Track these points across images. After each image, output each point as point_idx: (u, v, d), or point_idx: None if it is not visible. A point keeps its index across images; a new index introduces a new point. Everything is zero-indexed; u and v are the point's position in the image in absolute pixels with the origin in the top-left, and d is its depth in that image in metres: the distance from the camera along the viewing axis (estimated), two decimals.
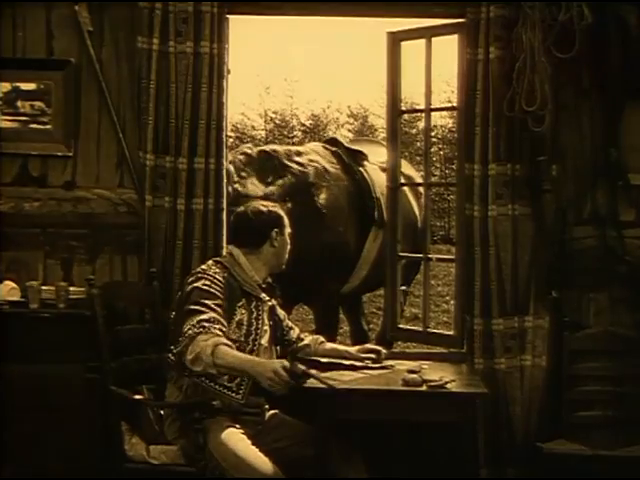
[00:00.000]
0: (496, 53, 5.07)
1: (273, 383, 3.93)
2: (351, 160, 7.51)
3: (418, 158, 23.65)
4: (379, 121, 27.54)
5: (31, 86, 5.35)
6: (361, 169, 7.46)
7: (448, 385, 4.55)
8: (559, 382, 5.09)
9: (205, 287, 4.26)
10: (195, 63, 5.17)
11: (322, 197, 7.17)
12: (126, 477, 4.34)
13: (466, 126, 5.27)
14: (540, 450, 4.87)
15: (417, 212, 7.95)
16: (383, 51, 5.58)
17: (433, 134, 23.19)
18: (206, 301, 4.20)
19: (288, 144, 26.71)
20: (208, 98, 5.17)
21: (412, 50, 5.60)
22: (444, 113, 25.40)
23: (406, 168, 8.00)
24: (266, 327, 4.50)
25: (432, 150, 23.17)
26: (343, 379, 4.67)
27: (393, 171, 5.78)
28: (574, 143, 5.19)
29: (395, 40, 5.56)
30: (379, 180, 7.30)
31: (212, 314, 4.14)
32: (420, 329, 5.81)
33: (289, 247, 4.63)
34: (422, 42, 5.47)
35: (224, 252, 4.99)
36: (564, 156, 5.20)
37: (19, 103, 5.35)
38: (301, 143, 27.28)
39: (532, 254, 5.17)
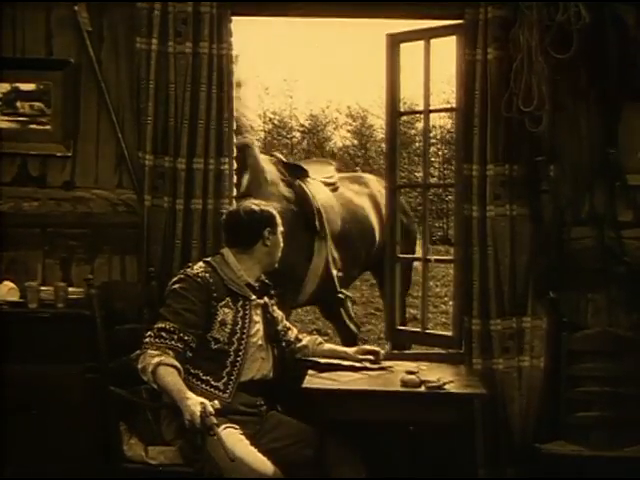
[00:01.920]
0: (494, 54, 5.07)
1: (189, 423, 3.93)
2: (291, 175, 7.35)
3: (417, 159, 23.68)
4: (378, 122, 27.54)
5: (30, 86, 5.35)
6: (300, 182, 7.29)
7: (446, 386, 4.55)
8: (557, 383, 5.10)
9: (181, 290, 4.34)
10: (194, 63, 5.17)
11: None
12: (124, 477, 4.35)
13: (464, 127, 5.27)
14: (538, 450, 4.88)
15: (376, 227, 7.82)
16: (382, 52, 5.59)
17: (432, 135, 23.17)
18: (176, 305, 4.29)
19: (287, 145, 26.79)
20: (207, 98, 5.18)
21: (411, 51, 5.62)
22: (443, 114, 25.40)
23: (374, 182, 8.16)
24: (258, 326, 4.53)
25: (431, 151, 23.17)
26: (342, 380, 4.69)
27: (392, 172, 5.79)
28: (572, 143, 5.20)
29: (394, 41, 5.58)
30: (321, 193, 7.27)
31: (175, 324, 4.22)
32: (418, 330, 5.81)
33: (282, 246, 4.65)
34: (421, 43, 5.49)
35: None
36: (562, 156, 5.20)
37: (18, 103, 5.35)
38: (300, 144, 27.32)
39: (530, 255, 5.17)
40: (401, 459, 5.18)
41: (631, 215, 5.19)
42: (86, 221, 5.33)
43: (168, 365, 4.09)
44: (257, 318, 4.55)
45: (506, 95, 5.03)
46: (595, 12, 4.84)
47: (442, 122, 25.61)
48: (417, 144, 24.48)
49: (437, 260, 6.79)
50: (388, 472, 5.15)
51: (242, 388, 4.41)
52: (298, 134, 28.10)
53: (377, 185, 8.10)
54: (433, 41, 5.44)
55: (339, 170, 8.25)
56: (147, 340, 4.20)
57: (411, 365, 5.00)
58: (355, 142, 28.10)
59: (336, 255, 7.27)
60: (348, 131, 28.80)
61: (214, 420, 3.94)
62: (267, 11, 5.39)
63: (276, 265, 4.69)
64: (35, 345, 4.96)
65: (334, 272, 7.22)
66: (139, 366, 4.15)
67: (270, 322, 4.68)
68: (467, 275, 5.25)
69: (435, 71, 5.47)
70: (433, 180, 23.09)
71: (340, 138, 28.74)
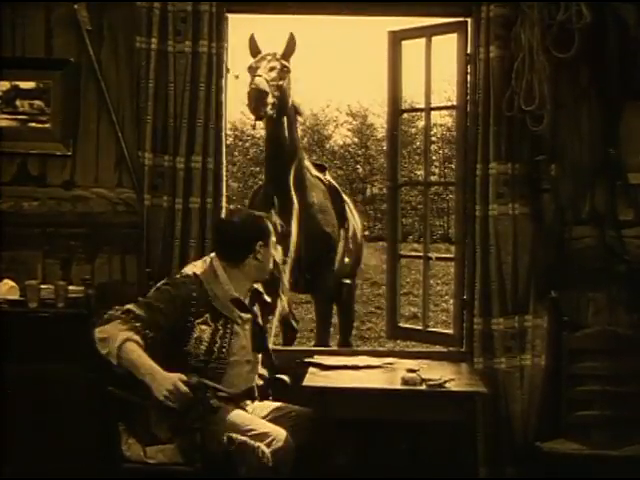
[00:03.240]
0: (496, 52, 5.07)
1: (171, 396, 3.88)
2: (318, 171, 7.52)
3: (417, 157, 23.66)
4: (378, 120, 27.52)
5: (30, 85, 5.35)
6: (327, 178, 7.53)
7: (447, 384, 4.55)
8: (558, 381, 5.10)
9: (164, 292, 4.22)
10: (194, 62, 5.17)
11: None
12: (124, 477, 4.34)
13: (466, 125, 5.28)
14: (539, 449, 4.88)
15: (357, 217, 8.04)
16: (383, 50, 5.58)
17: (432, 133, 23.18)
18: (154, 303, 4.16)
19: None
20: (206, 97, 5.17)
21: (412, 49, 5.60)
22: (444, 112, 25.28)
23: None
24: (243, 343, 4.38)
25: (431, 149, 23.18)
26: (342, 378, 4.69)
27: (393, 170, 5.78)
28: (573, 142, 5.19)
29: (395, 39, 5.56)
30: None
31: (147, 314, 4.09)
32: (420, 328, 5.81)
33: (273, 257, 4.50)
34: (422, 41, 5.48)
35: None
36: (563, 155, 5.20)
37: (18, 102, 5.35)
38: (300, 142, 27.28)
39: (532, 253, 5.17)
40: (402, 457, 5.18)
41: (632, 214, 5.18)
42: (86, 220, 5.33)
43: (137, 342, 3.98)
44: (242, 334, 4.38)
45: (507, 94, 5.03)
46: (596, 11, 4.85)
47: (443, 120, 25.60)
48: (418, 143, 24.45)
49: (438, 258, 6.79)
50: (389, 470, 5.15)
51: (225, 401, 4.28)
52: (298, 132, 28.04)
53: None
54: (434, 39, 5.43)
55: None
56: (113, 313, 4.07)
57: (412, 363, 5.01)
58: (355, 140, 28.07)
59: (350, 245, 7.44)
60: (349, 129, 28.78)
61: (196, 377, 3.99)
62: (267, 9, 5.39)
63: (267, 277, 4.53)
64: (35, 344, 4.95)
65: (346, 260, 7.36)
66: (98, 335, 4.01)
67: (258, 334, 4.49)
68: (469, 274, 5.25)
69: (436, 69, 5.48)
70: (434, 178, 23.07)
71: (340, 136, 28.71)
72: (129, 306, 4.11)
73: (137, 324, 4.04)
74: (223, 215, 4.84)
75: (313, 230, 6.79)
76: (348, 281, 7.92)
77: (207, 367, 4.22)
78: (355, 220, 7.77)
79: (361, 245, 8.24)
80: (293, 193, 6.59)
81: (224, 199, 5.32)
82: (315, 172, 7.22)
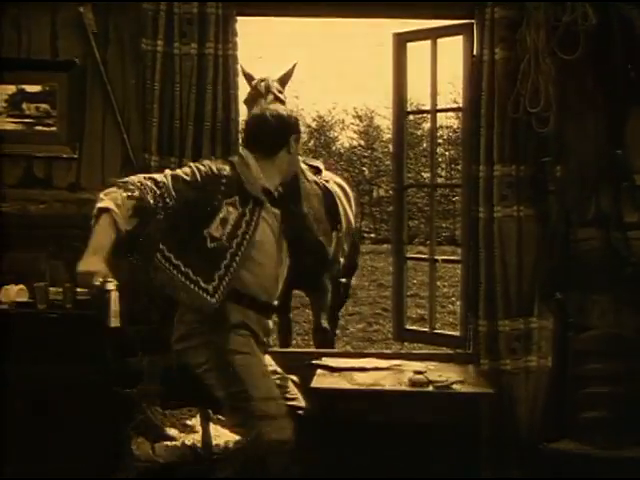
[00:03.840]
0: (501, 54, 5.08)
1: (80, 279, 3.92)
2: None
3: (424, 159, 23.65)
4: (385, 122, 27.47)
5: (36, 88, 5.36)
6: (322, 181, 7.48)
7: (454, 386, 4.57)
8: (563, 383, 5.10)
9: (195, 168, 4.15)
10: (200, 65, 5.18)
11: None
12: (132, 476, 4.36)
13: (471, 127, 5.28)
14: (544, 450, 4.88)
15: (351, 216, 8.06)
16: (389, 52, 5.59)
17: (439, 135, 23.15)
18: (181, 174, 4.11)
19: None
20: (213, 99, 5.18)
21: (418, 51, 5.61)
22: (449, 114, 25.30)
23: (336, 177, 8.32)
24: (267, 236, 4.31)
25: (438, 151, 23.15)
26: (350, 379, 4.70)
27: (399, 172, 5.78)
28: (578, 144, 5.19)
29: (401, 41, 5.57)
30: (336, 191, 7.42)
31: (172, 182, 4.05)
32: (426, 330, 5.81)
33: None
34: (428, 43, 5.49)
35: None
36: (568, 157, 5.20)
37: (24, 105, 5.37)
38: (306, 144, 27.28)
39: (537, 255, 5.17)
40: (407, 458, 5.19)
41: (637, 216, 5.17)
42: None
43: (113, 217, 3.90)
44: (268, 228, 4.31)
45: (513, 96, 5.03)
46: (602, 13, 4.85)
47: (449, 122, 25.55)
48: (424, 145, 24.44)
49: (444, 260, 6.79)
50: (393, 471, 5.15)
51: (246, 303, 4.26)
52: (305, 135, 27.97)
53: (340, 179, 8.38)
54: (440, 41, 5.44)
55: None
56: (125, 179, 4.03)
57: (419, 365, 5.02)
58: (362, 143, 28.03)
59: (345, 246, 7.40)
60: (355, 132, 28.74)
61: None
62: (273, 11, 5.40)
63: (296, 171, 4.61)
64: (44, 345, 4.96)
65: (341, 260, 7.32)
66: (100, 195, 3.98)
67: (286, 231, 4.46)
68: (474, 276, 5.25)
69: (442, 71, 5.48)
70: (440, 180, 23.05)
71: (347, 139, 28.67)
72: (154, 175, 4.09)
73: (149, 186, 3.98)
74: (256, 110, 4.73)
75: (308, 241, 6.79)
76: (344, 280, 7.99)
77: (226, 252, 4.15)
78: (350, 218, 7.76)
79: (356, 242, 8.29)
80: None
81: None
82: (311, 176, 7.21)
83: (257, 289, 4.27)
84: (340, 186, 8.01)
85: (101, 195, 3.95)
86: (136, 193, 3.94)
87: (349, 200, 8.05)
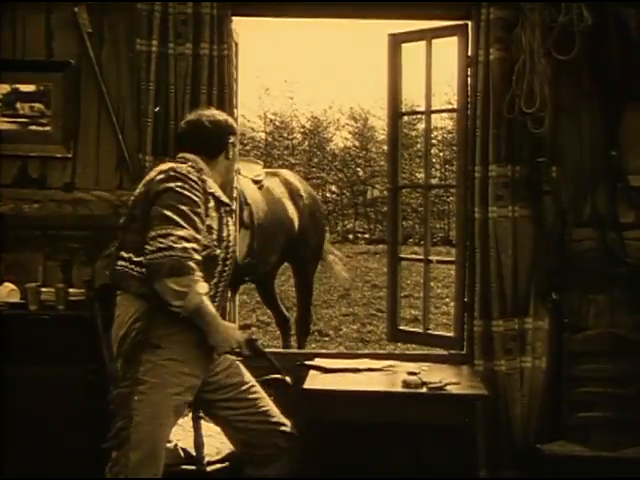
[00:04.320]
0: (496, 55, 5.07)
1: (230, 350, 3.96)
2: None
3: (418, 160, 23.66)
4: (379, 123, 27.49)
5: (30, 88, 5.35)
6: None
7: (448, 387, 4.56)
8: (559, 384, 5.10)
9: (182, 190, 3.92)
10: (195, 65, 5.17)
11: None
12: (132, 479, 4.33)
13: (466, 128, 5.28)
14: (540, 451, 4.88)
15: (294, 217, 8.27)
16: (384, 53, 5.58)
17: (433, 136, 23.17)
18: (183, 207, 3.88)
19: (288, 146, 26.77)
20: (208, 100, 5.17)
21: (412, 52, 5.60)
22: (444, 115, 25.39)
23: (291, 177, 8.69)
24: (232, 236, 4.26)
25: (432, 152, 23.16)
26: (343, 380, 4.69)
27: (393, 173, 5.78)
28: (574, 145, 5.20)
29: (396, 42, 5.56)
30: (249, 190, 7.55)
31: (189, 231, 3.83)
32: (420, 330, 5.80)
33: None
34: (422, 44, 5.47)
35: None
36: (564, 158, 5.20)
37: (18, 105, 5.36)
38: (301, 145, 27.28)
39: (532, 256, 5.17)
40: (402, 460, 5.19)
41: (633, 216, 5.19)
42: (87, 222, 5.32)
43: (205, 293, 3.86)
44: (231, 226, 4.27)
45: (508, 96, 5.02)
46: (597, 13, 4.85)
47: (443, 123, 25.59)
48: (418, 145, 24.45)
49: (438, 261, 6.79)
50: (389, 473, 5.15)
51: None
52: (299, 135, 28.01)
53: (292, 178, 8.68)
54: (435, 41, 5.43)
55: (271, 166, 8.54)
56: (181, 255, 3.78)
57: (413, 366, 5.01)
58: (356, 143, 28.03)
59: (255, 244, 7.50)
60: (349, 132, 28.73)
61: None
62: (267, 11, 5.39)
63: (231, 180, 4.54)
64: (35, 347, 4.95)
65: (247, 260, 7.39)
66: (173, 287, 3.76)
67: None
68: (469, 276, 5.25)
69: (436, 72, 5.47)
70: (434, 181, 23.08)
71: (341, 139, 28.66)
72: (173, 231, 3.80)
73: (195, 254, 3.83)
74: (190, 114, 4.46)
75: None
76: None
77: (218, 259, 4.08)
78: (289, 215, 8.10)
79: (303, 238, 8.48)
80: None
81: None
82: (253, 190, 7.49)
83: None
84: (286, 183, 8.33)
85: (184, 289, 3.79)
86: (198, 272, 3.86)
87: (294, 197, 8.31)
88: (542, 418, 5.15)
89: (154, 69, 5.17)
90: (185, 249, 3.78)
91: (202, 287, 3.83)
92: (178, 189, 3.91)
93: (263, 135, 27.54)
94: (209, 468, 4.23)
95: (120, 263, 4.02)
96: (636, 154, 5.15)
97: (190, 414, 4.39)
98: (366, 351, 8.68)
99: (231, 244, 4.21)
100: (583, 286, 5.19)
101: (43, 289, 5.15)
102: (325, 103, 33.17)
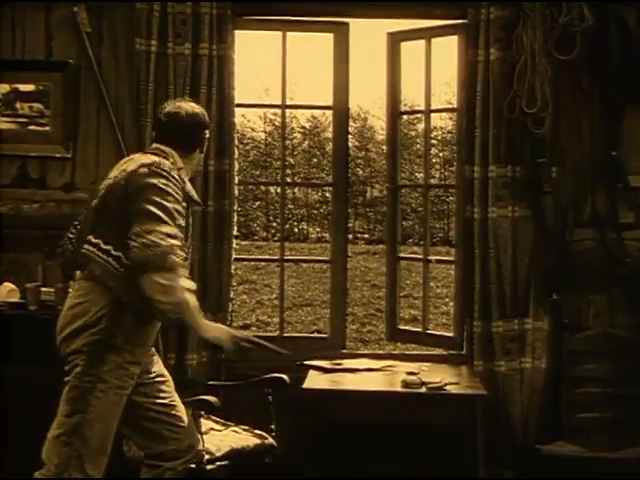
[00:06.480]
0: (496, 54, 5.07)
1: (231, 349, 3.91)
2: None
3: (417, 160, 23.67)
4: (379, 123, 27.55)
5: (30, 87, 5.35)
6: None
7: (447, 387, 4.56)
8: (558, 384, 5.10)
9: (165, 187, 3.84)
10: (194, 65, 5.17)
11: None
12: (125, 478, 4.33)
13: (466, 128, 5.26)
14: (539, 452, 4.88)
15: None
16: (383, 52, 5.57)
17: (433, 136, 23.17)
18: (167, 204, 3.80)
19: (287, 146, 26.78)
20: (207, 99, 5.16)
21: (412, 51, 5.59)
22: (444, 115, 25.42)
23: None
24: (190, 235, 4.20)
25: (432, 152, 23.19)
26: (343, 380, 4.69)
27: (393, 173, 5.78)
28: (574, 145, 5.20)
29: (395, 41, 5.56)
30: None
31: (173, 228, 3.76)
32: (419, 330, 5.80)
33: None
34: (422, 43, 5.47)
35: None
36: (564, 158, 5.20)
37: (18, 105, 5.35)
38: (300, 145, 27.29)
39: (532, 256, 5.16)
40: (402, 460, 5.18)
41: (632, 217, 5.19)
42: None
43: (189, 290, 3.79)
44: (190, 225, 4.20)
45: (509, 96, 5.02)
46: (598, 14, 4.85)
47: (443, 123, 25.62)
48: (418, 145, 24.47)
49: (438, 261, 6.80)
50: (389, 472, 5.14)
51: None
52: (299, 135, 28.04)
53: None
54: (434, 40, 5.43)
55: None
56: (167, 251, 3.70)
57: (412, 366, 5.01)
58: (356, 143, 28.05)
59: None
60: (349, 132, 28.76)
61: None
62: (267, 11, 5.38)
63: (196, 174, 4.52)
64: (35, 347, 4.94)
65: None
66: (160, 281, 3.69)
67: None
68: (469, 276, 5.24)
69: (436, 71, 5.47)
70: (434, 181, 23.10)
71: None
72: (156, 227, 3.72)
73: (180, 251, 3.77)
74: (167, 106, 4.26)
75: None
76: None
77: (186, 261, 3.94)
78: None
79: None
80: None
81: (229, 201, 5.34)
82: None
83: None
84: None
85: (180, 282, 3.75)
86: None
87: None
88: (542, 418, 5.15)
89: (153, 69, 5.17)
90: (171, 246, 3.73)
91: (188, 283, 3.79)
92: (162, 185, 3.83)
93: (263, 135, 27.55)
94: (209, 467, 4.21)
95: (87, 247, 3.91)
96: (636, 154, 5.15)
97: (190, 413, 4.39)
98: (365, 351, 8.69)
99: (191, 245, 4.22)
100: (583, 286, 5.19)
101: (43, 289, 5.14)
102: (324, 103, 33.14)
